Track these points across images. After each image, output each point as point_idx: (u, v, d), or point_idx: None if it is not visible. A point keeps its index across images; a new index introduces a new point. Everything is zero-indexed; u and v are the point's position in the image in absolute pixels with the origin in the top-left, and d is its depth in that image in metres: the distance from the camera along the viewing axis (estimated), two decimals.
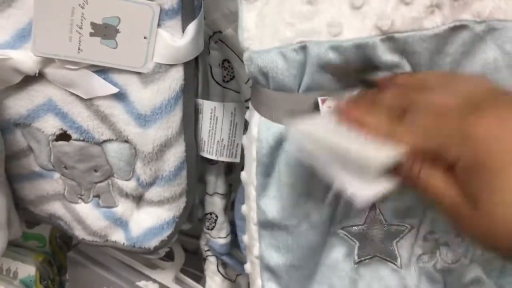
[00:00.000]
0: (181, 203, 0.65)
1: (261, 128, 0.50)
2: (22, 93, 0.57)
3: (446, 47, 0.45)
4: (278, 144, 0.50)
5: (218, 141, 0.61)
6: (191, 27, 0.53)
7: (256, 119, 0.51)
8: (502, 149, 0.33)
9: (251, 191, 0.54)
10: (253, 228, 0.56)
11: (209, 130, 0.61)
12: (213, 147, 0.61)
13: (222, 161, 0.67)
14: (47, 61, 0.53)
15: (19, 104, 0.58)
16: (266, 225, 0.55)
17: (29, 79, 0.55)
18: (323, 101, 0.47)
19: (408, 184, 0.39)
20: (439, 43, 0.44)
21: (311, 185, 0.51)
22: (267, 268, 0.57)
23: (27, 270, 0.89)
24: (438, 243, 0.54)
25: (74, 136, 0.59)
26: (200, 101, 0.59)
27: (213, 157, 0.62)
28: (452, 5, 0.43)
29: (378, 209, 0.52)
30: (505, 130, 0.33)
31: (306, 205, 0.52)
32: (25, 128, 0.60)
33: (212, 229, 0.73)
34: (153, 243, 0.66)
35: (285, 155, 0.50)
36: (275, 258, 0.55)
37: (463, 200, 0.35)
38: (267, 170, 0.52)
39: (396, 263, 0.54)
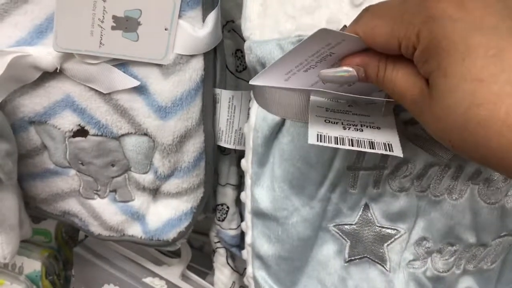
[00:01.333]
0: (199, 193, 0.65)
1: (258, 118, 0.51)
2: (39, 90, 0.56)
3: None
4: (273, 135, 0.51)
5: (236, 130, 0.61)
6: (211, 17, 0.53)
7: (254, 109, 0.52)
8: (456, 31, 0.31)
9: (247, 179, 0.55)
10: (247, 216, 0.58)
11: (227, 119, 0.61)
12: (231, 137, 0.61)
13: (235, 152, 0.68)
14: (67, 56, 0.52)
15: (35, 102, 0.56)
16: (258, 214, 0.55)
17: (46, 76, 0.54)
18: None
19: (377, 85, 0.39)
20: None
21: (303, 179, 0.52)
22: (258, 257, 0.58)
23: (33, 265, 0.88)
24: (430, 251, 0.54)
25: (92, 131, 0.58)
26: (218, 90, 0.59)
27: (231, 147, 0.62)
28: None
29: (371, 210, 0.53)
30: (461, 11, 0.32)
31: (297, 198, 0.53)
32: (40, 125, 0.59)
33: (223, 220, 0.73)
34: (171, 235, 0.66)
35: (279, 147, 0.51)
36: (265, 248, 0.56)
37: (423, 92, 0.35)
38: (261, 160, 0.53)
39: (385, 266, 0.55)
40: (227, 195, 0.71)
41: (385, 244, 0.54)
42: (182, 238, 0.67)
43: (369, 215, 0.53)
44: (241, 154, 0.69)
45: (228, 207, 0.72)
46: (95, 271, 0.85)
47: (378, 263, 0.55)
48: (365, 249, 0.54)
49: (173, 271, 0.83)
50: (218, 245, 0.79)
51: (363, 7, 0.43)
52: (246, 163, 0.55)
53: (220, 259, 0.80)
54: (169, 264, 0.85)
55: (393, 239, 0.54)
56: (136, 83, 0.53)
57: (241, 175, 0.72)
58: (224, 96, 0.59)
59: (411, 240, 0.54)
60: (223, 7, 0.59)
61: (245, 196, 0.57)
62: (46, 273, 0.90)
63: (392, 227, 0.53)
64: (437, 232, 0.53)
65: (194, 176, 0.62)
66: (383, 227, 0.53)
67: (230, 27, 0.61)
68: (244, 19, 0.48)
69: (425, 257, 0.55)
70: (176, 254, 0.85)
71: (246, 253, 0.60)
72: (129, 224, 0.67)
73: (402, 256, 0.55)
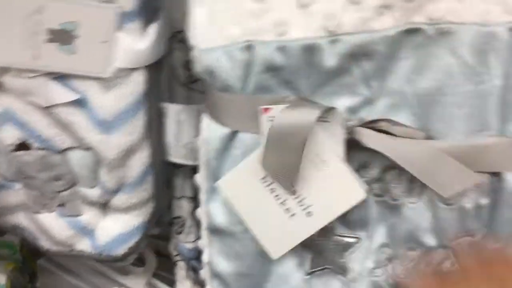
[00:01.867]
0: (149, 208, 0.63)
1: (209, 131, 0.50)
2: None
3: (399, 52, 0.44)
4: (224, 148, 0.50)
5: (185, 144, 0.60)
6: (153, 29, 0.52)
7: (206, 122, 0.51)
8: None
9: (202, 194, 0.55)
10: (204, 233, 0.56)
11: (175, 134, 0.59)
12: (179, 151, 0.60)
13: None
14: (4, 70, 0.52)
15: None
16: (214, 230, 0.54)
17: None
18: (266, 110, 0.46)
19: None
20: (391, 47, 0.43)
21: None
22: (216, 275, 0.56)
23: None
24: (391, 257, 0.53)
25: (34, 145, 0.57)
26: (164, 104, 0.58)
27: (181, 161, 0.61)
28: (404, 7, 0.42)
29: None
30: None
31: None
32: None
33: (180, 233, 0.72)
34: (121, 250, 0.65)
35: (231, 160, 0.50)
36: (224, 265, 0.55)
37: None
38: (214, 174, 0.52)
39: (347, 276, 0.54)
40: (183, 208, 0.70)
41: (346, 253, 0.53)
42: (133, 253, 0.66)
43: (328, 223, 0.52)
44: (196, 166, 0.69)
45: (184, 220, 0.71)
46: (60, 284, 0.84)
47: (339, 273, 0.54)
48: (326, 260, 0.53)
49: (138, 281, 0.81)
50: (178, 258, 0.78)
51: (311, 8, 0.43)
52: (200, 178, 0.54)
53: (181, 272, 0.78)
54: (135, 273, 0.83)
55: (353, 247, 0.53)
56: (74, 96, 0.52)
57: (196, 187, 0.72)
58: (171, 110, 0.58)
59: (372, 247, 0.53)
60: (171, 17, 0.58)
61: (201, 212, 0.56)
62: (12, 286, 0.88)
63: (352, 236, 0.52)
64: (398, 237, 0.52)
65: (142, 190, 0.61)
66: (342, 236, 0.52)
67: (178, 37, 0.60)
68: (189, 27, 0.47)
69: (386, 264, 0.53)
70: (143, 262, 0.83)
71: (204, 273, 0.59)
72: (78, 239, 0.65)
73: (364, 265, 0.53)
